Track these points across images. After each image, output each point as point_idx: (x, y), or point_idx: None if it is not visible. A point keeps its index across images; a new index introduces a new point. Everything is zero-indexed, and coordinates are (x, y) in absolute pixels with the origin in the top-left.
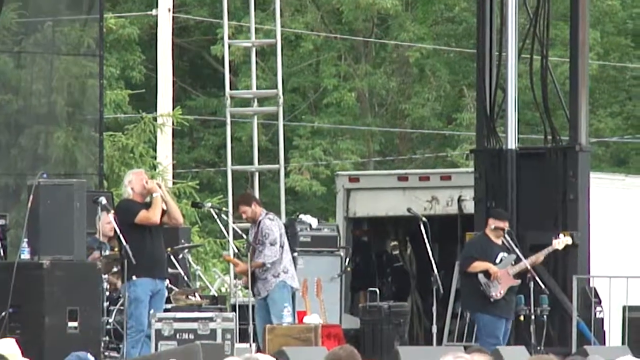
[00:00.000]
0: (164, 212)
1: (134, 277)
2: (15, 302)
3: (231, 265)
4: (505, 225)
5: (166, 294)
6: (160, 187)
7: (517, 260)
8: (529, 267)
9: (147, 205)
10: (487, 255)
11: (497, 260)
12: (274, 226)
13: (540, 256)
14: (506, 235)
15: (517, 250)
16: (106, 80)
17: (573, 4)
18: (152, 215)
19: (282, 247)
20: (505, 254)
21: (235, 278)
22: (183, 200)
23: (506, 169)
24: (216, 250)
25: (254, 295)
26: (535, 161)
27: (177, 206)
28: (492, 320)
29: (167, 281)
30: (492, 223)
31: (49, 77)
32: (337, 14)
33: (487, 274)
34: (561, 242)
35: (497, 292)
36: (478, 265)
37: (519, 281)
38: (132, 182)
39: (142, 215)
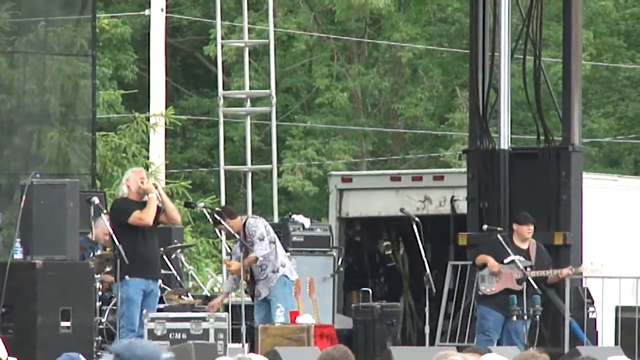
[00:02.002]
0: (160, 212)
1: (126, 277)
2: (7, 302)
3: (224, 265)
4: (527, 229)
5: (159, 294)
6: (157, 187)
7: (532, 269)
8: (529, 278)
9: (142, 205)
10: (497, 254)
11: (506, 261)
12: (258, 222)
13: (561, 275)
14: (498, 236)
15: (544, 259)
16: (99, 80)
17: (566, 4)
18: (145, 217)
19: (273, 242)
20: (521, 258)
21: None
22: (176, 200)
23: (499, 169)
24: (209, 251)
25: (252, 298)
26: (528, 161)
27: (174, 205)
28: (485, 310)
29: (160, 281)
30: (515, 227)
31: (42, 77)
32: (329, 14)
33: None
34: (590, 269)
35: (489, 288)
36: (481, 259)
37: (520, 287)
38: (130, 180)
39: (135, 217)
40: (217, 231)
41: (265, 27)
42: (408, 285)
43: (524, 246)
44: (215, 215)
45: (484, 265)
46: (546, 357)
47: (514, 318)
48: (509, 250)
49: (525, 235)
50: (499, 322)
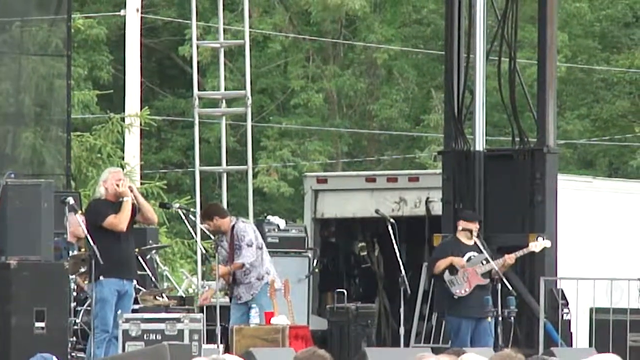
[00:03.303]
0: (136, 212)
1: (100, 278)
2: None
3: (199, 266)
4: (474, 226)
5: (134, 295)
6: (132, 189)
7: (487, 261)
8: (495, 267)
9: (118, 207)
10: (456, 255)
11: (465, 259)
12: (248, 228)
13: (512, 257)
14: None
15: (486, 252)
16: (74, 80)
17: (541, 6)
18: (119, 223)
19: (260, 248)
20: (475, 254)
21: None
22: (151, 201)
23: (474, 171)
24: (184, 252)
25: (230, 299)
26: (503, 163)
27: (150, 205)
28: (456, 321)
29: (135, 282)
30: (461, 225)
31: (17, 77)
32: (305, 15)
33: (452, 270)
34: (539, 244)
35: (462, 289)
36: (442, 263)
37: (487, 280)
38: (107, 182)
39: (109, 222)
40: (193, 232)
41: (240, 27)
42: (383, 287)
43: (471, 242)
44: (194, 216)
45: (444, 270)
46: (522, 357)
47: (489, 319)
48: (463, 249)
49: (474, 231)
50: (470, 328)
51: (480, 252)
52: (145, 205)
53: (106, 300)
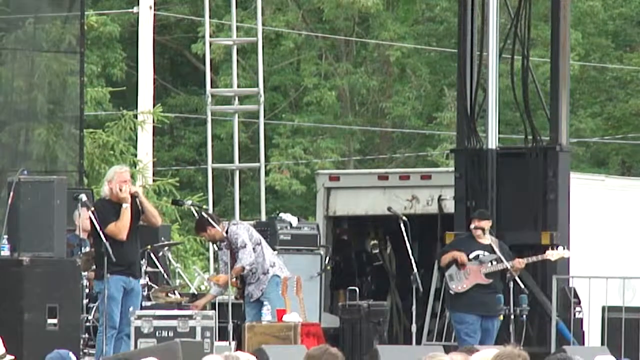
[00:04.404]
0: (140, 215)
1: (108, 275)
2: None
3: (211, 263)
4: (485, 224)
5: (141, 292)
6: (137, 195)
7: (498, 261)
8: (508, 267)
9: (119, 213)
10: (465, 250)
11: (471, 257)
12: (239, 229)
13: (523, 262)
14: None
15: (501, 253)
16: (87, 77)
17: (554, 4)
18: (118, 232)
19: (258, 244)
20: (486, 253)
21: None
22: (163, 198)
23: (486, 169)
24: (196, 248)
25: (243, 299)
26: (516, 161)
27: (155, 208)
28: (460, 316)
29: (147, 279)
30: (473, 223)
31: (30, 74)
32: (318, 12)
33: (459, 266)
34: (556, 254)
35: (460, 285)
36: (446, 257)
37: (490, 280)
38: (112, 182)
39: (109, 230)
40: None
41: (253, 25)
42: (395, 284)
43: (485, 242)
44: (206, 213)
45: (449, 265)
46: (525, 354)
47: (501, 317)
48: (472, 246)
49: (486, 230)
50: (477, 323)
51: (492, 252)
52: (149, 210)
53: (112, 296)
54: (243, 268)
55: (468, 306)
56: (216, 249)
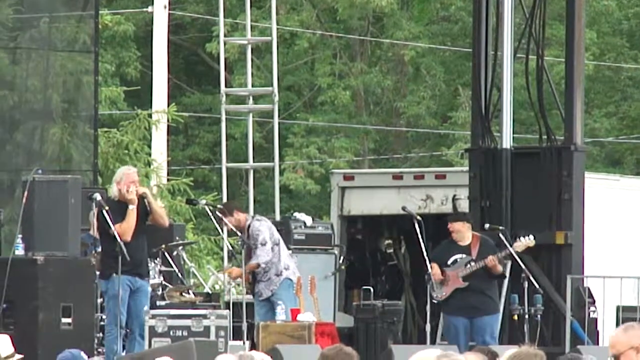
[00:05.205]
0: (147, 215)
1: (113, 275)
2: (8, 298)
3: (225, 263)
4: (456, 226)
5: (149, 292)
6: (145, 196)
7: (475, 262)
8: (478, 267)
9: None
10: (443, 258)
11: (450, 262)
12: (262, 226)
13: (493, 259)
14: (500, 235)
15: (473, 253)
16: (101, 76)
17: (569, 4)
18: (123, 234)
19: (277, 244)
20: (463, 256)
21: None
22: (177, 197)
23: (501, 168)
24: (210, 248)
25: (253, 296)
26: (530, 161)
27: (168, 208)
28: (447, 319)
29: (161, 278)
30: (449, 227)
31: (45, 73)
32: (332, 12)
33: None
34: (521, 245)
35: (440, 294)
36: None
37: (466, 283)
38: (120, 183)
39: (116, 231)
40: (219, 228)
41: (268, 24)
42: (409, 284)
43: (464, 243)
44: (217, 213)
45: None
46: (541, 354)
47: (515, 317)
48: (451, 251)
49: (460, 232)
50: (462, 326)
51: (470, 254)
52: (157, 211)
53: (117, 296)
54: (258, 265)
55: (453, 310)
56: (229, 246)
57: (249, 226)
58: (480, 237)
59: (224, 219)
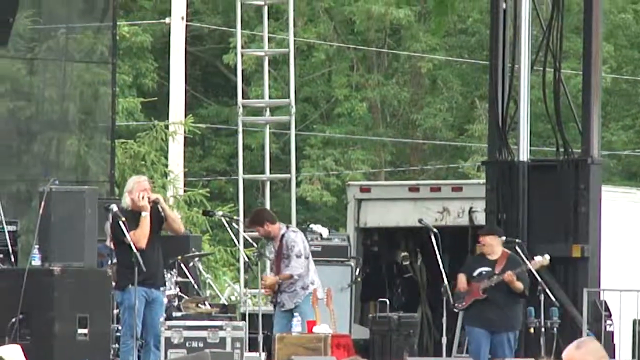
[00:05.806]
0: (162, 222)
1: (129, 285)
2: (25, 309)
3: (241, 274)
4: (487, 240)
5: (165, 302)
6: (158, 201)
7: (497, 276)
8: (494, 282)
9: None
10: (470, 269)
11: (475, 274)
12: (297, 238)
13: (511, 274)
14: (516, 248)
15: (498, 268)
16: (119, 87)
17: (586, 16)
18: (137, 242)
19: (307, 258)
20: (487, 269)
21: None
22: (194, 209)
23: (517, 181)
24: (226, 259)
25: (274, 307)
26: (547, 173)
27: (183, 217)
28: (467, 329)
29: (178, 289)
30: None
31: (62, 84)
32: (349, 24)
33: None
34: (536, 263)
35: (460, 304)
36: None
37: (484, 296)
38: (132, 192)
39: (130, 239)
40: (236, 240)
41: (285, 36)
42: (425, 296)
43: (493, 257)
44: (244, 221)
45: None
46: None
47: (531, 330)
48: (478, 263)
49: (489, 245)
50: (482, 337)
51: (494, 268)
52: (171, 216)
53: (134, 307)
54: (291, 276)
55: (471, 321)
56: (248, 258)
57: (282, 235)
58: (510, 254)
59: (250, 227)
